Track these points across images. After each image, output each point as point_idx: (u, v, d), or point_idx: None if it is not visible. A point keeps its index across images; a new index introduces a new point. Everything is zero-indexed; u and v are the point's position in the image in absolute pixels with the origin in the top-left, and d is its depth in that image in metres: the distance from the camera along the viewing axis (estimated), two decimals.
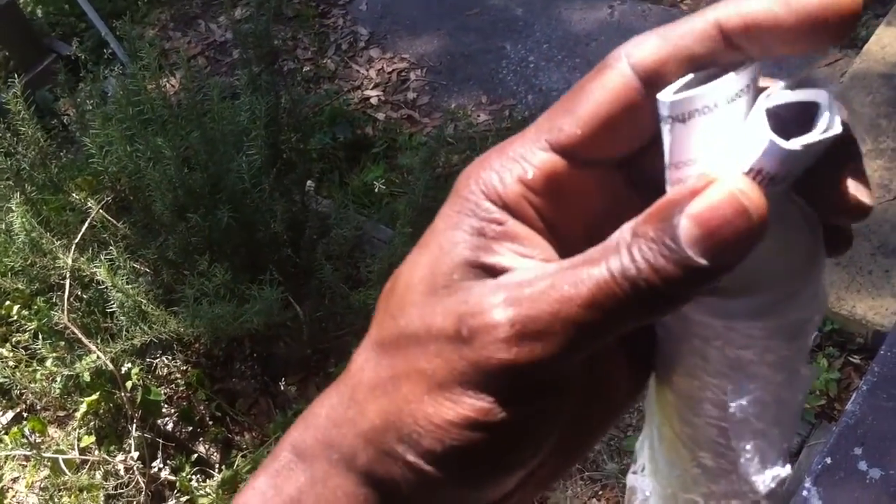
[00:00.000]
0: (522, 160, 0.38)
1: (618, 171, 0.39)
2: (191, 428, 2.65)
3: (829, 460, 2.07)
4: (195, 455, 2.57)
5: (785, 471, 0.41)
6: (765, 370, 0.38)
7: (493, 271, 0.38)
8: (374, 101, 3.95)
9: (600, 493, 2.38)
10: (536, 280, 0.36)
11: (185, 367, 2.75)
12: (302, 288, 2.74)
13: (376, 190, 3.24)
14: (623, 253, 0.34)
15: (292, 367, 2.79)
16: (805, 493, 1.96)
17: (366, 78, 4.09)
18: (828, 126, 0.33)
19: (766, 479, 0.41)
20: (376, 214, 3.20)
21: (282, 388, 2.62)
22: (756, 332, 0.37)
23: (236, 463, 2.48)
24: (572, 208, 0.39)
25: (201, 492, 2.35)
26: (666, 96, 0.35)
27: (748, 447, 0.40)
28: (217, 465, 2.57)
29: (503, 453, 0.37)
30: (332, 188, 3.37)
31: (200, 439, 2.64)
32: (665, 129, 0.35)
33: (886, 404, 2.11)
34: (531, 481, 0.41)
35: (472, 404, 0.36)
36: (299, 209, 2.91)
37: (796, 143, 0.33)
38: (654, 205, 0.34)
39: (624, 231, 0.35)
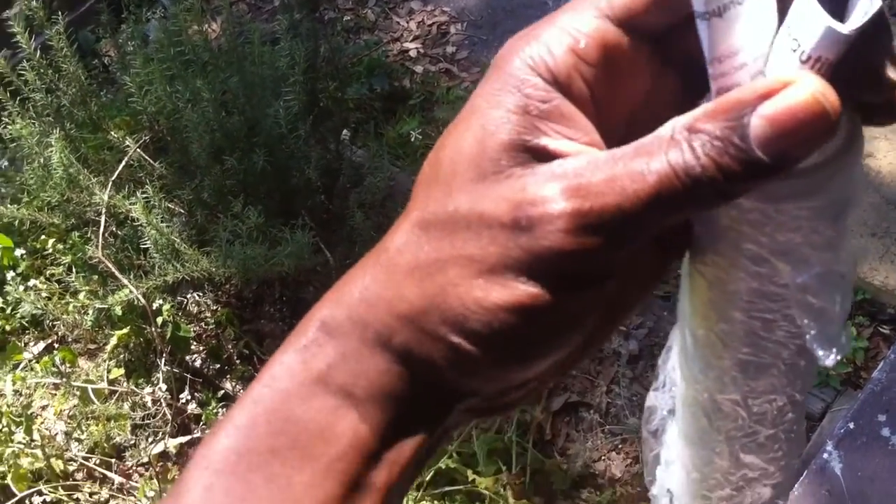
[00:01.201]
0: (574, 30, 0.38)
1: (656, 50, 0.40)
2: (218, 365, 2.68)
3: (852, 425, 2.07)
4: (221, 391, 2.60)
5: (846, 331, 0.42)
6: (812, 252, 0.39)
7: (539, 154, 0.38)
8: (412, 53, 3.94)
9: (620, 446, 2.39)
10: (593, 170, 0.36)
11: (215, 307, 2.77)
12: (333, 234, 2.76)
13: (412, 139, 3.24)
14: (684, 148, 0.34)
15: None
16: (826, 455, 1.96)
17: (406, 30, 4.07)
18: (869, 4, 0.33)
19: (831, 352, 0.42)
20: (410, 166, 3.20)
21: None
22: (804, 212, 0.38)
23: None
24: (621, 86, 0.39)
25: None
26: None
27: (812, 323, 0.41)
28: None
29: (546, 337, 0.39)
30: (367, 138, 3.38)
31: (227, 376, 2.67)
32: (702, 27, 0.35)
33: None
34: (556, 364, 0.43)
35: (524, 290, 0.37)
36: (334, 157, 2.92)
37: (851, 27, 0.33)
38: (717, 102, 0.34)
39: (679, 125, 0.35)
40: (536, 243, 0.36)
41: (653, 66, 0.40)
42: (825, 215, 0.38)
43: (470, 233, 0.38)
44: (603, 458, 2.38)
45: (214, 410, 2.39)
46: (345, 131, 3.13)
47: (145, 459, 2.41)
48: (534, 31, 0.39)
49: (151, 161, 2.77)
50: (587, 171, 0.36)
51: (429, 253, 0.39)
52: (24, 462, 2.34)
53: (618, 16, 0.37)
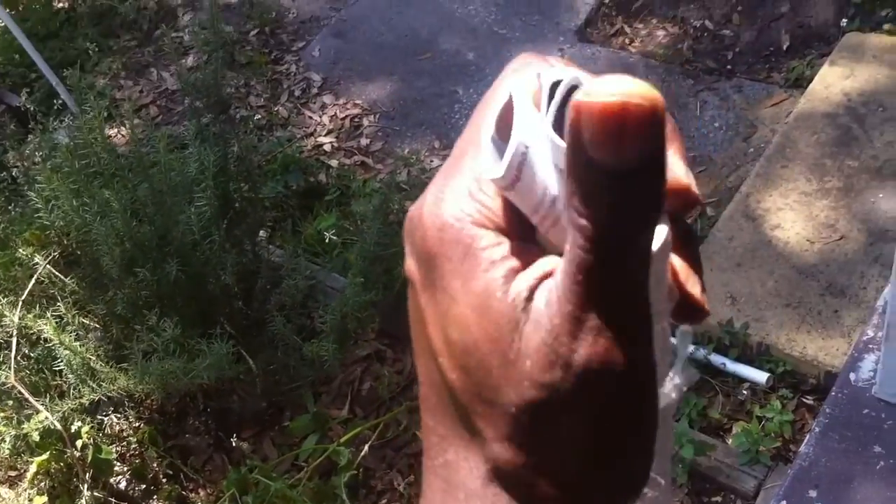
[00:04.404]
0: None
1: None
2: (144, 486, 2.61)
3: (784, 503, 2.08)
4: None
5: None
6: None
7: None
8: (327, 147, 3.95)
9: None
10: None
11: (137, 424, 2.70)
12: (254, 340, 2.72)
13: (327, 240, 3.23)
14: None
15: (247, 421, 2.75)
16: None
17: (319, 124, 4.09)
18: None
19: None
20: (329, 263, 3.19)
21: (235, 443, 2.59)
22: None
23: None
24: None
25: None
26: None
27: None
28: None
29: None
30: (284, 237, 3.36)
31: (154, 497, 2.60)
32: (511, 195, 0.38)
33: (839, 445, 2.12)
34: None
35: None
36: (251, 260, 2.90)
37: None
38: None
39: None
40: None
41: None
42: None
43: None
44: None
45: None
46: (261, 232, 3.11)
47: None
48: (451, 187, 0.38)
49: (62, 277, 2.71)
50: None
51: None
52: None
53: None
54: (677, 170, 0.38)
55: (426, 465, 0.41)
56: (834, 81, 3.31)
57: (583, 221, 0.33)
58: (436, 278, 0.38)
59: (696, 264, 0.41)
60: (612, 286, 0.34)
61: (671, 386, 0.43)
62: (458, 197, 0.38)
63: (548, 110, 0.37)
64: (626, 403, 0.36)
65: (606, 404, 0.35)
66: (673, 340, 0.43)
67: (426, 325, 0.39)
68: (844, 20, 3.70)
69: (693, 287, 0.40)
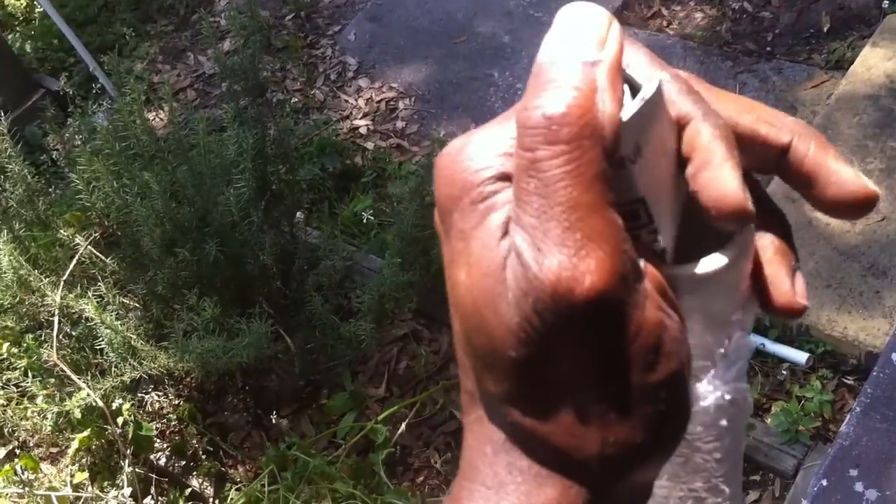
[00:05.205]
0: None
1: None
2: (183, 462, 2.64)
3: (825, 482, 2.06)
4: (189, 489, 2.56)
5: None
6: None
7: None
8: (363, 130, 3.96)
9: None
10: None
11: (176, 402, 2.73)
12: (292, 320, 2.73)
13: (364, 221, 3.24)
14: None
15: (285, 399, 2.77)
16: None
17: (354, 107, 4.10)
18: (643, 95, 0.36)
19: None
20: (366, 244, 3.20)
21: (274, 420, 2.61)
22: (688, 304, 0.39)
23: (230, 497, 2.47)
24: None
25: None
26: None
27: None
28: (211, 500, 2.56)
29: None
30: (321, 218, 3.37)
31: (194, 473, 2.63)
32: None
33: (880, 425, 2.10)
34: None
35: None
36: (288, 241, 2.91)
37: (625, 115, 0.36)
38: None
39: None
40: None
41: None
42: (702, 321, 0.39)
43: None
44: None
45: None
46: (298, 213, 3.12)
47: None
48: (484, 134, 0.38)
49: (103, 257, 2.74)
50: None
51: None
52: None
53: None
54: (846, 173, 0.39)
55: (464, 423, 0.41)
56: (876, 63, 3.26)
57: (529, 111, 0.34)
58: (449, 224, 0.37)
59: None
60: (568, 190, 0.33)
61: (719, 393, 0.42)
62: (481, 146, 0.37)
63: None
64: (613, 326, 0.34)
65: (590, 326, 0.34)
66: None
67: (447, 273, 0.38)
68: (886, 2, 3.65)
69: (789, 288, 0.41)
